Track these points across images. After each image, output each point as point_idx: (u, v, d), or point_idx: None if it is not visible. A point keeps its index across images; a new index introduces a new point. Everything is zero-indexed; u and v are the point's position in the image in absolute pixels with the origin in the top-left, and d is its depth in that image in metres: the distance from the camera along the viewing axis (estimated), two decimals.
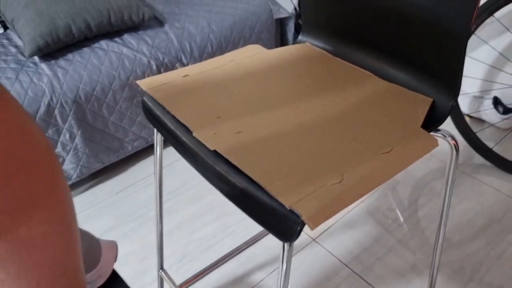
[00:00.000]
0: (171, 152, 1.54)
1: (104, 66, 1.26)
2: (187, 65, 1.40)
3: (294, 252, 1.15)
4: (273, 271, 1.11)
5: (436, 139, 0.58)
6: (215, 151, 0.56)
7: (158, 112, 0.66)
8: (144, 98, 0.70)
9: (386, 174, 0.52)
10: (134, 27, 1.38)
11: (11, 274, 0.35)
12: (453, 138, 0.64)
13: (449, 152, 0.68)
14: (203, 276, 1.10)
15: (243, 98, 0.66)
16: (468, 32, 0.61)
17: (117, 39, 1.33)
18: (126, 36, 1.35)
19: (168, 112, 0.64)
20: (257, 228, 1.23)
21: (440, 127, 0.65)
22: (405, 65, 0.71)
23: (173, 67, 1.37)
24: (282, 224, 0.48)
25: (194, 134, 0.59)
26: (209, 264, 1.13)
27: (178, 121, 0.63)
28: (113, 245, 0.61)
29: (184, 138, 0.60)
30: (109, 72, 1.26)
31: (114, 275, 0.62)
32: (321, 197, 0.48)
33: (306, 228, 1.21)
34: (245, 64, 0.76)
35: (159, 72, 1.35)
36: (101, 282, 0.60)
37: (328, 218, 0.46)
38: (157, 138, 0.76)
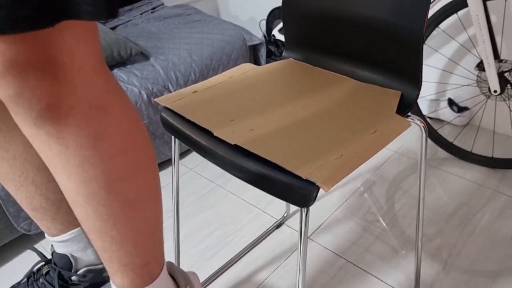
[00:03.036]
0: (164, 177, 1.64)
1: None
2: None
3: (291, 251, 1.26)
4: (274, 270, 1.21)
5: (408, 121, 0.73)
6: (235, 145, 0.68)
7: (178, 123, 0.78)
8: (162, 114, 0.81)
9: (375, 149, 0.66)
10: (122, 62, 1.50)
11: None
12: (421, 121, 0.79)
13: (418, 150, 0.83)
14: (210, 283, 1.19)
15: (249, 104, 0.79)
16: (421, 36, 0.77)
17: None
18: (116, 71, 1.46)
19: (188, 121, 0.76)
20: (254, 234, 1.34)
21: (410, 114, 0.80)
22: (375, 67, 0.86)
23: (161, 95, 1.49)
24: (300, 193, 0.60)
25: (215, 134, 0.71)
26: (214, 270, 1.23)
27: (198, 126, 0.75)
28: (196, 276, 0.73)
29: (205, 139, 0.72)
30: None
31: None
32: (328, 168, 0.61)
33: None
34: (243, 78, 0.89)
35: (150, 101, 1.46)
36: None
37: (337, 182, 0.59)
38: (175, 148, 0.87)
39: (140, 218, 0.57)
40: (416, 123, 0.79)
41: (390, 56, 0.83)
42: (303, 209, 0.62)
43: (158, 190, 0.61)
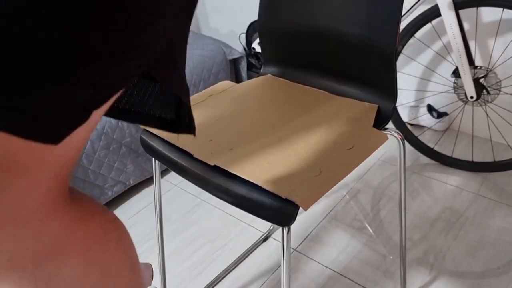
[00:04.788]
0: (148, 194, 1.63)
1: None
2: None
3: (279, 264, 1.26)
4: (262, 284, 1.21)
5: (386, 134, 0.74)
6: (214, 166, 0.69)
7: (157, 144, 0.78)
8: (142, 135, 0.81)
9: (353, 164, 0.67)
10: None
11: None
12: (398, 133, 0.81)
13: (398, 155, 0.84)
14: None
15: (228, 123, 0.80)
16: (394, 51, 0.79)
17: None
18: None
19: (167, 142, 0.76)
20: (241, 248, 1.33)
21: (388, 127, 0.82)
22: (352, 81, 0.87)
23: None
24: (280, 212, 0.61)
25: (194, 156, 0.71)
26: (204, 286, 1.22)
27: (177, 147, 0.75)
28: (149, 267, 0.71)
29: (185, 161, 0.72)
30: None
31: None
32: (308, 186, 0.61)
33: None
34: (223, 96, 0.90)
35: None
36: None
37: (316, 201, 0.59)
38: (156, 169, 0.87)
39: None
40: (393, 135, 0.80)
41: (365, 70, 0.84)
42: (284, 228, 0.63)
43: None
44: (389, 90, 0.81)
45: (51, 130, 0.35)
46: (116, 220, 0.52)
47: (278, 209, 0.61)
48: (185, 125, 0.51)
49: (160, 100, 0.51)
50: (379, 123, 0.80)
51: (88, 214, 0.46)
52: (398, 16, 0.76)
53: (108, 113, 0.49)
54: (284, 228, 0.63)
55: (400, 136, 0.80)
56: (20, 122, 0.32)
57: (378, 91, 0.84)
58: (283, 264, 0.66)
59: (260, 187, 0.63)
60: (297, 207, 0.60)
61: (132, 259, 0.54)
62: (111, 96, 0.38)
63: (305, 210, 0.58)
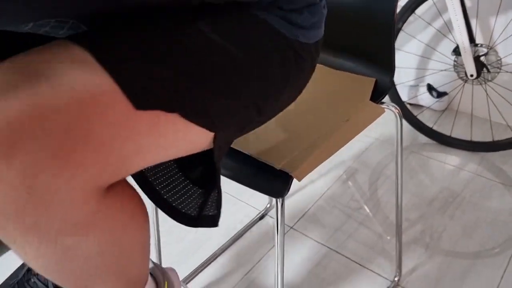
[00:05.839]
0: None
1: None
2: None
3: (274, 242, 1.26)
4: (258, 261, 1.21)
5: (383, 108, 0.73)
6: None
7: None
8: None
9: (348, 136, 0.66)
10: None
11: None
12: (395, 107, 0.79)
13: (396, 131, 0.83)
14: (194, 277, 1.19)
15: None
16: (392, 23, 0.77)
17: None
18: None
19: None
20: (238, 226, 1.33)
21: (385, 101, 0.80)
22: (349, 55, 0.86)
23: None
24: (273, 183, 0.60)
25: None
26: (198, 265, 1.22)
27: None
28: (174, 270, 0.72)
29: None
30: None
31: None
32: (302, 158, 0.60)
33: (285, 218, 1.33)
34: None
35: None
36: None
37: (309, 172, 0.58)
38: None
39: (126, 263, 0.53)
40: (390, 110, 0.79)
41: (362, 43, 0.82)
42: (278, 199, 0.62)
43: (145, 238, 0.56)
44: (387, 63, 0.79)
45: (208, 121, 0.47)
46: (136, 197, 0.51)
47: (271, 180, 0.60)
48: (208, 218, 0.55)
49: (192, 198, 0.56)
50: (376, 96, 0.79)
51: (115, 193, 0.46)
52: None
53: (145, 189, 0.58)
54: (278, 200, 0.62)
55: (397, 110, 0.79)
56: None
57: (376, 65, 0.82)
58: (277, 237, 0.65)
59: (254, 159, 0.62)
60: (290, 178, 0.59)
61: (145, 239, 0.53)
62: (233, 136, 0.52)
63: (299, 181, 0.57)
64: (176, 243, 1.30)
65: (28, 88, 0.37)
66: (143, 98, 0.40)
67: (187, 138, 0.46)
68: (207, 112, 0.46)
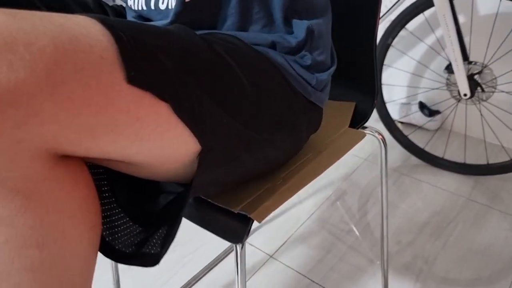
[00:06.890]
0: None
1: None
2: None
3: (254, 271, 1.17)
4: None
5: (364, 132, 0.64)
6: None
7: None
8: None
9: (320, 169, 0.57)
10: None
11: None
12: (379, 133, 0.71)
13: (388, 157, 0.74)
14: None
15: None
16: (373, 40, 0.69)
17: None
18: None
19: None
20: (214, 253, 1.24)
21: (368, 126, 0.72)
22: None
23: None
24: (230, 229, 0.51)
25: None
26: None
27: None
28: None
29: None
30: None
31: None
32: (264, 197, 0.52)
33: (263, 246, 1.23)
34: None
35: None
36: None
37: (272, 211, 0.50)
38: None
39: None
40: (374, 135, 0.70)
41: (342, 62, 0.74)
42: (237, 245, 0.53)
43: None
44: (369, 86, 0.71)
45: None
46: (92, 191, 0.42)
47: (228, 225, 0.51)
48: (147, 256, 0.47)
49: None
50: (358, 120, 0.70)
51: (67, 166, 0.39)
52: None
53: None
54: (237, 245, 0.53)
55: (380, 137, 0.71)
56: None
57: (358, 86, 0.74)
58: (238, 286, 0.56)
59: (211, 202, 0.53)
60: (250, 221, 0.50)
61: (89, 252, 0.43)
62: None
63: (259, 222, 0.48)
64: (146, 272, 1.20)
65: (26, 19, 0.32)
66: (138, 75, 0.36)
67: (166, 136, 0.40)
68: (201, 116, 0.41)
